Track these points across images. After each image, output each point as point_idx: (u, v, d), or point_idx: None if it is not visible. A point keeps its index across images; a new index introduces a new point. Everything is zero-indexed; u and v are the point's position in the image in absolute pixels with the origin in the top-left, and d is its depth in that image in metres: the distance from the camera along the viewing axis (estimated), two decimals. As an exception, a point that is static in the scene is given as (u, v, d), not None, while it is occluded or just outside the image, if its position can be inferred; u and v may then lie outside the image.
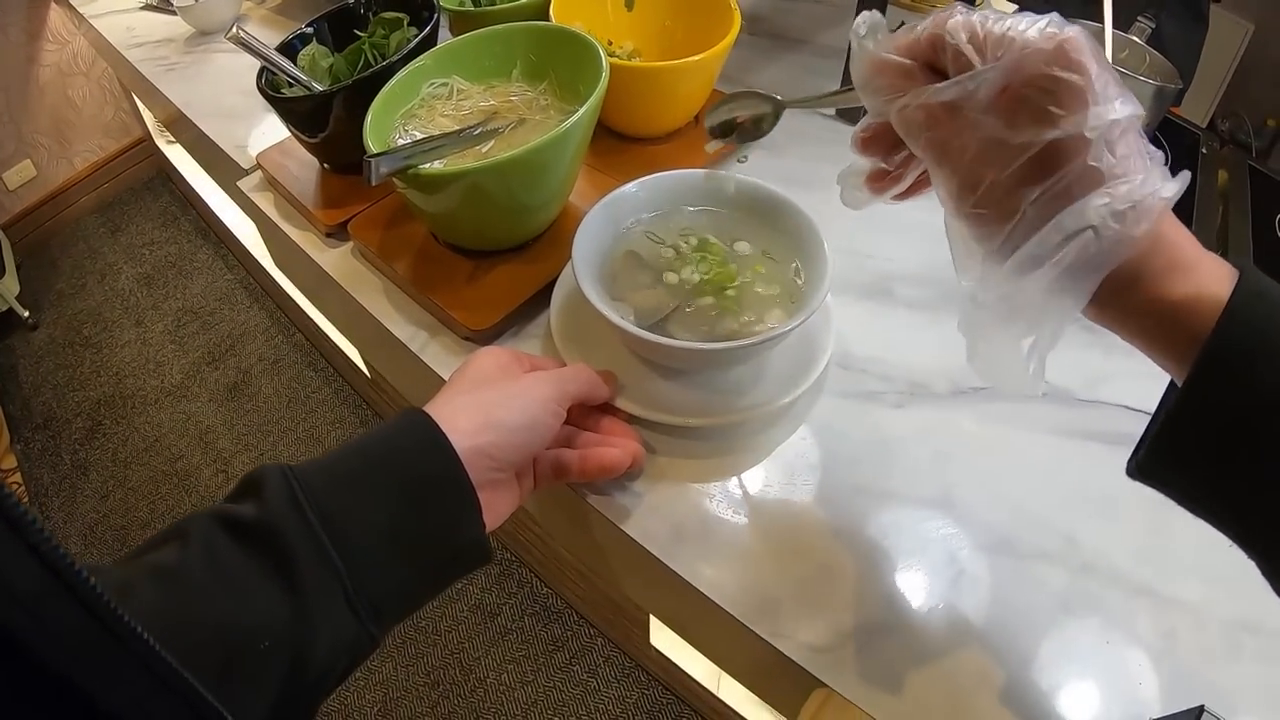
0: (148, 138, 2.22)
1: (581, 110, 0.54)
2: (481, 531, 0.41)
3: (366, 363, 1.50)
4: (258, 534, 0.35)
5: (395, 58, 0.67)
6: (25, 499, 1.72)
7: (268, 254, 1.75)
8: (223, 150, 0.92)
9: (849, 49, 0.39)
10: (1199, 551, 0.47)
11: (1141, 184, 0.29)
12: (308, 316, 1.69)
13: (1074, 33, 0.29)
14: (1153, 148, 0.31)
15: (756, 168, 0.77)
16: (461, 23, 0.77)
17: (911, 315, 0.63)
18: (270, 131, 0.92)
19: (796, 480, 0.53)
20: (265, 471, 0.37)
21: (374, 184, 0.52)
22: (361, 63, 0.77)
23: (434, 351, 0.62)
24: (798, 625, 0.46)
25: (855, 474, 0.52)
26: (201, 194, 2.02)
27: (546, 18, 0.72)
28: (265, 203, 0.79)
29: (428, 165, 0.56)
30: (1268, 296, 0.29)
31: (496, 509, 0.43)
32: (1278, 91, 2.00)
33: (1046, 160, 0.30)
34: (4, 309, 1.97)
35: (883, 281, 0.65)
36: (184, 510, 1.65)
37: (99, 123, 2.22)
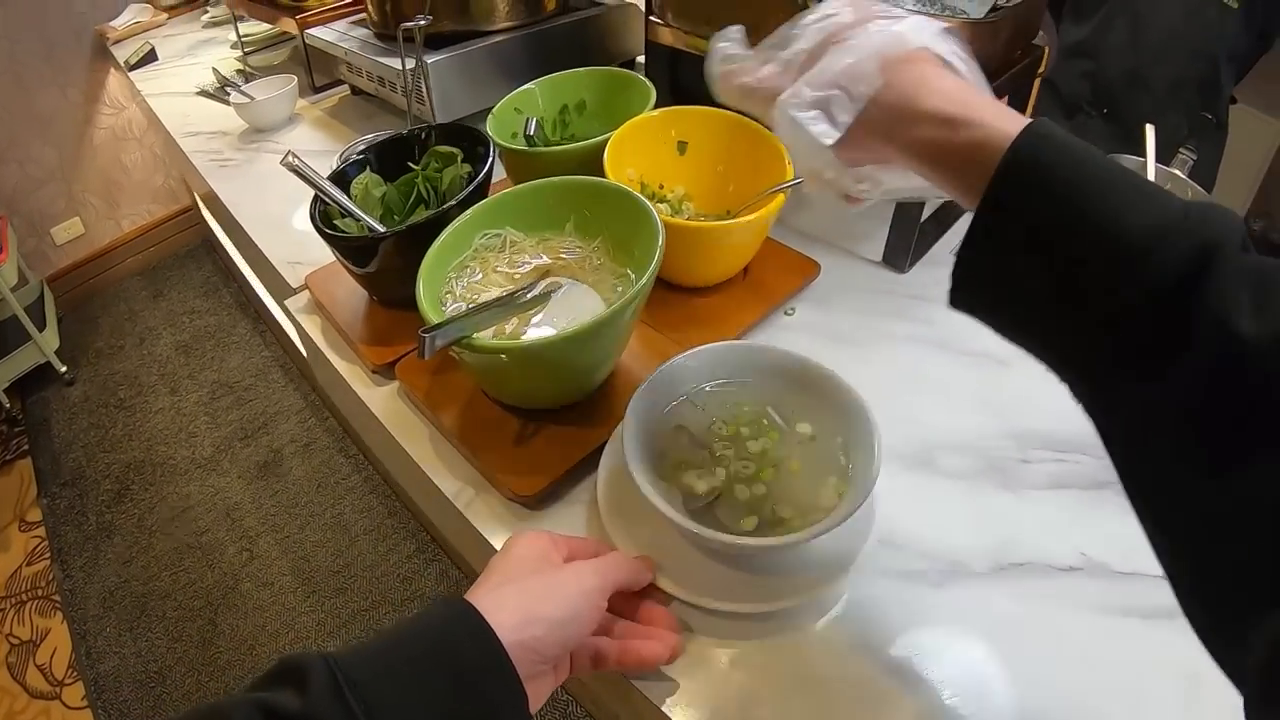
0: (194, 206, 2.29)
1: (638, 286, 0.54)
2: None
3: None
4: None
5: (451, 203, 0.67)
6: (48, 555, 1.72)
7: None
8: (271, 263, 0.93)
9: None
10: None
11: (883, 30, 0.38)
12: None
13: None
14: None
15: (804, 321, 0.76)
16: (515, 161, 0.78)
17: (952, 486, 0.61)
18: (319, 248, 0.93)
19: (836, 662, 0.50)
20: (307, 661, 0.36)
21: (427, 358, 0.51)
22: (414, 195, 0.78)
23: (478, 510, 0.60)
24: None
25: (895, 657, 0.50)
26: (243, 269, 2.07)
27: (601, 160, 0.73)
28: (312, 327, 0.80)
29: (480, 336, 0.55)
30: (1051, 139, 0.33)
31: (536, 698, 0.43)
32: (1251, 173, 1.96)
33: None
34: (42, 362, 2.00)
35: (926, 451, 0.63)
36: (206, 584, 1.64)
37: (148, 188, 2.29)
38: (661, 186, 0.79)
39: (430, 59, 1.00)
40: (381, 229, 0.73)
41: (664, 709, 0.49)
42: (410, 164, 0.78)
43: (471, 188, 0.69)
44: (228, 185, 1.12)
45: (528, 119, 0.82)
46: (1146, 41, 1.29)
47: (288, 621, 1.58)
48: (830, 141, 0.39)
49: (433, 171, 0.78)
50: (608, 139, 0.76)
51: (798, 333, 0.75)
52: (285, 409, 2.01)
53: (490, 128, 0.79)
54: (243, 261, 2.07)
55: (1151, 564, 0.50)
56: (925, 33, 0.39)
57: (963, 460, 0.62)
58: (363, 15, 1.24)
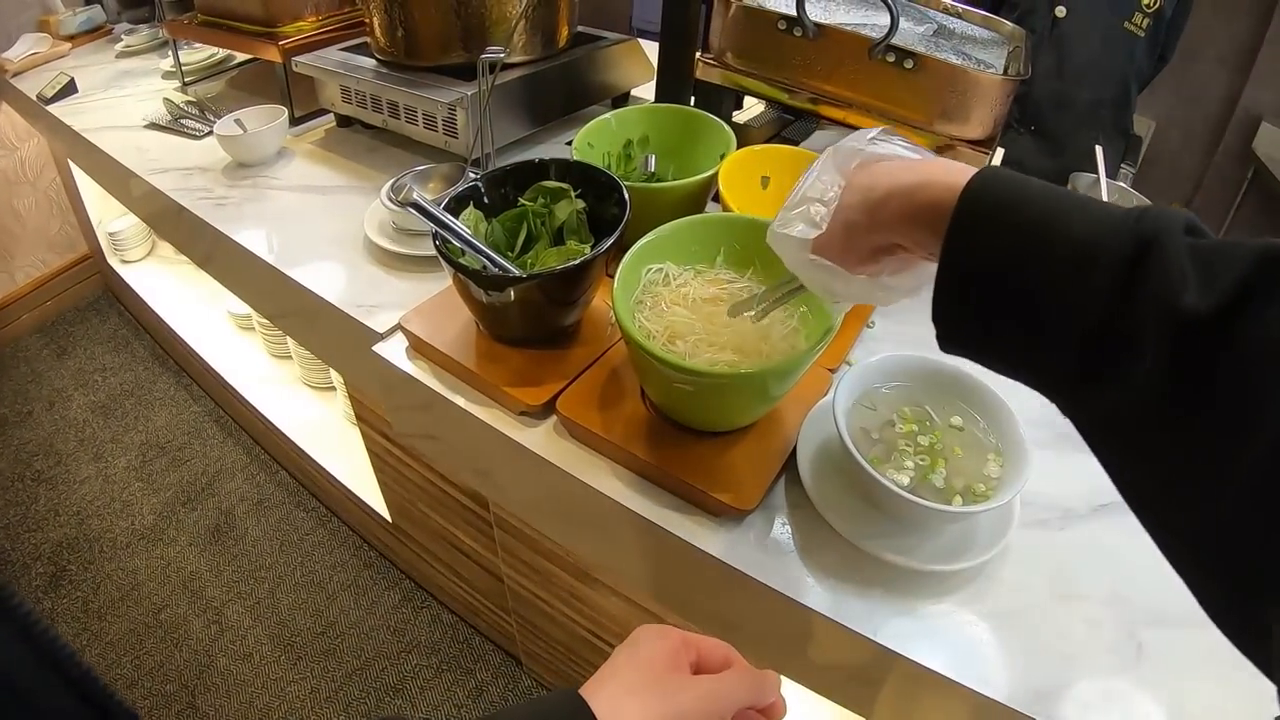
0: (95, 254, 2.07)
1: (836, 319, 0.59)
2: None
3: (390, 508, 1.43)
4: None
5: (603, 248, 0.68)
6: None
7: (250, 386, 1.68)
8: (333, 305, 0.89)
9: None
10: None
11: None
12: (300, 453, 1.61)
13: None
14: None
15: (886, 332, 0.84)
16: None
17: (1042, 453, 0.70)
18: (376, 285, 0.90)
19: (1011, 594, 0.61)
20: None
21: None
22: (525, 233, 0.78)
23: (690, 529, 0.63)
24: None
25: (1053, 583, 0.62)
26: (163, 316, 1.90)
27: (701, 193, 0.79)
28: (421, 374, 0.77)
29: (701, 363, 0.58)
30: (996, 182, 0.37)
31: None
32: (1177, 181, 2.32)
33: None
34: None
35: None
36: (176, 665, 1.48)
37: (43, 236, 2.06)
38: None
39: (468, 91, 1.00)
40: (510, 266, 0.73)
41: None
42: (524, 201, 0.78)
43: (622, 226, 0.70)
44: (237, 227, 1.04)
45: (646, 156, 0.84)
46: (1070, 68, 1.50)
47: (277, 693, 1.46)
48: (812, 235, 0.45)
49: (540, 207, 0.79)
50: (711, 176, 0.80)
51: (884, 342, 0.82)
52: (228, 466, 1.86)
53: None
54: (159, 299, 1.90)
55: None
56: (863, 138, 0.46)
57: (1041, 433, 0.71)
58: (358, 42, 1.21)
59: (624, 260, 0.65)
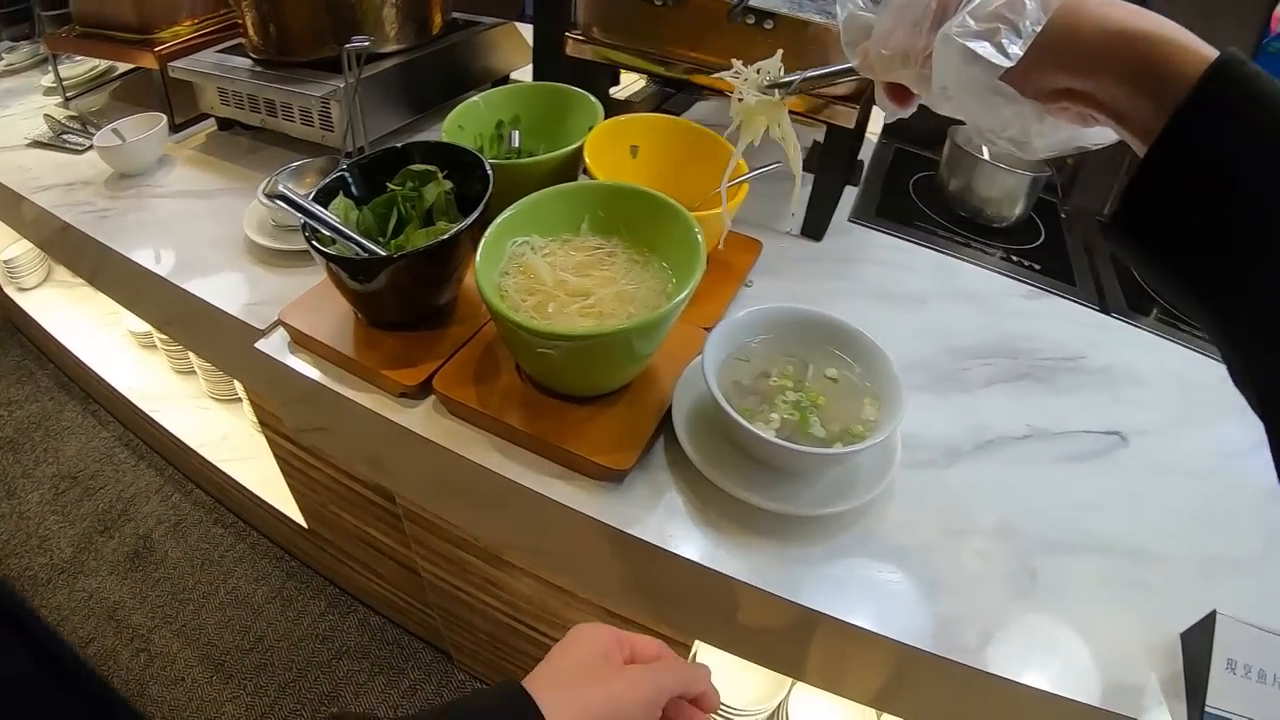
0: (-13, 285, 1.97)
1: (697, 273, 0.60)
2: None
3: (305, 513, 1.41)
4: None
5: (464, 224, 0.69)
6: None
7: (156, 406, 1.63)
8: (216, 307, 0.87)
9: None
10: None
11: None
12: (212, 468, 1.57)
13: None
14: None
15: (764, 290, 0.88)
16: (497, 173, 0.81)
17: (923, 396, 0.76)
18: (270, 284, 0.89)
19: (901, 532, 0.64)
20: None
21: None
22: (395, 217, 0.78)
23: (574, 496, 0.64)
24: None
25: (942, 520, 0.65)
26: (64, 343, 1.83)
27: (568, 167, 0.80)
28: (303, 365, 0.77)
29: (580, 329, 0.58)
30: (1247, 69, 0.32)
31: None
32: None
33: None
34: None
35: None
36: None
37: (-71, 271, 1.95)
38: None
39: (341, 83, 0.99)
40: (381, 252, 0.72)
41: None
42: (390, 185, 0.78)
43: (486, 202, 0.70)
44: (120, 238, 1.01)
45: (511, 132, 0.84)
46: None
47: (212, 715, 1.43)
48: (1008, 64, 0.37)
49: (409, 190, 0.78)
50: (577, 148, 0.81)
51: (763, 300, 0.84)
52: (142, 490, 1.80)
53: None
54: (60, 327, 1.83)
55: (1079, 423, 0.75)
56: None
57: (922, 375, 0.79)
58: (234, 43, 1.18)
59: (486, 234, 0.66)
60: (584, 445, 0.63)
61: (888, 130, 1.28)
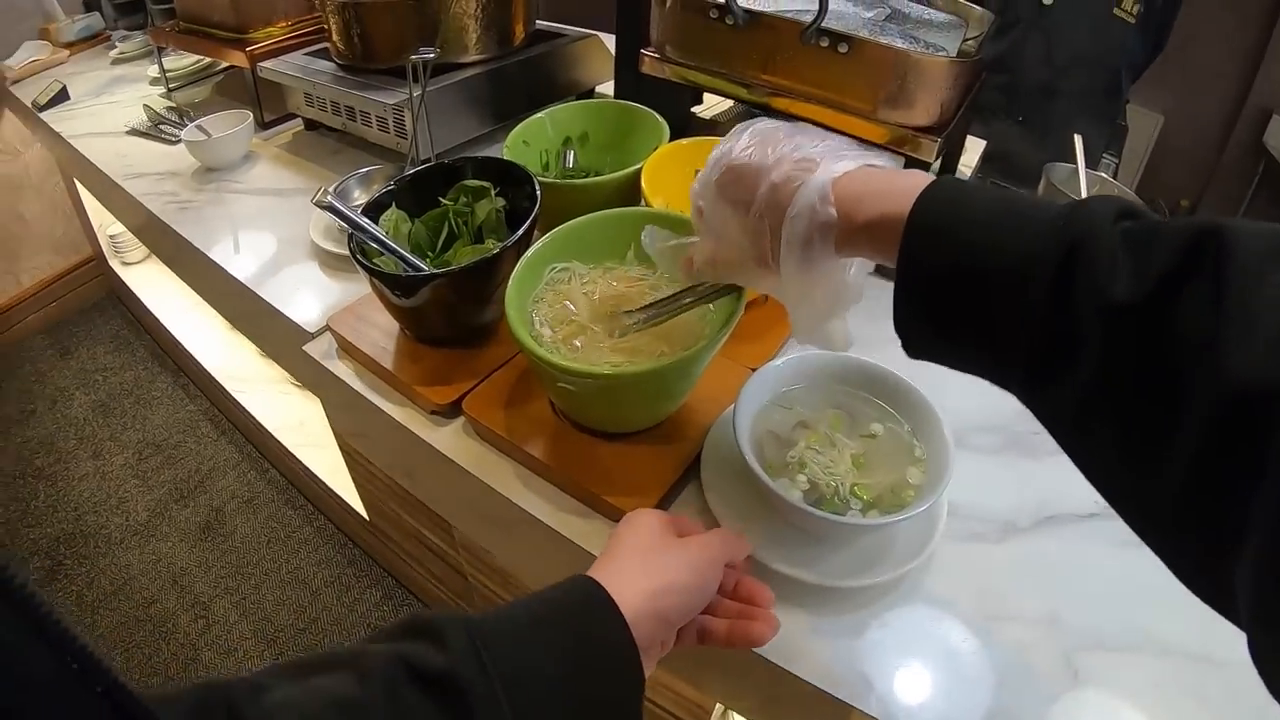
0: (98, 256, 2.12)
1: (735, 314, 0.57)
2: (640, 705, 0.42)
3: (366, 506, 1.44)
4: (443, 685, 0.35)
5: (506, 244, 0.67)
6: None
7: (239, 386, 1.70)
8: (271, 305, 0.89)
9: None
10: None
11: (814, 178, 0.42)
12: (286, 452, 1.62)
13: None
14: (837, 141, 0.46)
15: None
16: (549, 193, 0.79)
17: (986, 460, 0.69)
18: (327, 289, 0.90)
19: (933, 610, 0.57)
20: (441, 621, 0.38)
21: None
22: (446, 232, 0.78)
23: (587, 534, 0.61)
24: None
25: (981, 601, 0.58)
26: (160, 318, 1.93)
27: (629, 189, 0.76)
28: (346, 373, 0.77)
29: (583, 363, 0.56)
30: (938, 198, 0.38)
31: (647, 669, 0.44)
32: (1187, 175, 2.24)
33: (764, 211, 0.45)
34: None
35: (959, 434, 0.68)
36: (163, 659, 1.51)
37: (49, 239, 2.11)
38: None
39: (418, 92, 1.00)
40: (425, 267, 0.72)
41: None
42: (443, 200, 0.77)
43: (530, 222, 0.69)
44: (196, 230, 1.06)
45: (565, 152, 0.83)
46: (1058, 57, 1.44)
47: (258, 689, 1.48)
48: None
49: (462, 206, 0.78)
50: (637, 170, 0.78)
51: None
52: (220, 464, 1.89)
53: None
54: (158, 302, 1.94)
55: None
56: (842, 159, 0.44)
57: (989, 438, 0.71)
58: (322, 46, 1.22)
59: (522, 258, 0.64)
60: (603, 484, 0.60)
61: (986, 160, 1.21)
